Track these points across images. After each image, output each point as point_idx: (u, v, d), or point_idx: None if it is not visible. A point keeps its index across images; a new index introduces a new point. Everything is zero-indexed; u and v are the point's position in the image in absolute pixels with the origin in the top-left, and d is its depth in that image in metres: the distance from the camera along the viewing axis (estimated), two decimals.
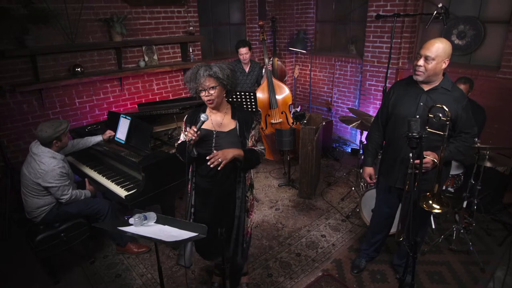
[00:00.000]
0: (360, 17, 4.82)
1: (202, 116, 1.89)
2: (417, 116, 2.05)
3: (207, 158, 1.88)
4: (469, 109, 2.08)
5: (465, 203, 2.91)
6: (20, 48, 3.27)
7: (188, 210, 2.20)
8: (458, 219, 3.06)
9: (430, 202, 1.95)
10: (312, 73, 5.59)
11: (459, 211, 3.15)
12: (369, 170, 2.46)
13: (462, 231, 2.89)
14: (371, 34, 4.54)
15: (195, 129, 1.86)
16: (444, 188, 3.02)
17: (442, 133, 1.95)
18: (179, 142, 2.13)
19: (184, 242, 1.67)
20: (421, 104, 2.07)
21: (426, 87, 2.08)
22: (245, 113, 2.11)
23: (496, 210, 3.35)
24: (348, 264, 2.82)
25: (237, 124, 2.04)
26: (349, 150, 5.08)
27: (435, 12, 3.55)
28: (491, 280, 2.59)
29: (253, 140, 2.09)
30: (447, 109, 1.90)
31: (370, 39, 4.57)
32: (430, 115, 1.97)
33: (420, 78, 2.03)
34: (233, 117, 2.05)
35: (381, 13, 4.29)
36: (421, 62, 1.98)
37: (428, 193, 1.99)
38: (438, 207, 1.94)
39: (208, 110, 2.06)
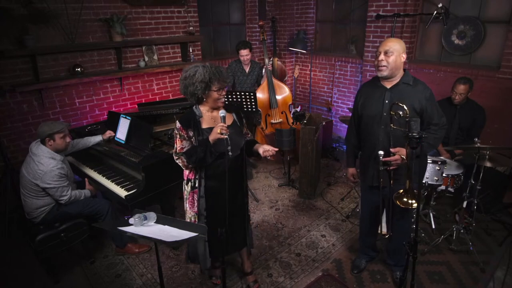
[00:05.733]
0: (360, 17, 4.82)
1: (222, 112, 1.98)
2: (384, 114, 2.15)
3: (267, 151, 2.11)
4: (434, 100, 2.15)
5: (465, 203, 2.91)
6: (20, 48, 3.27)
7: (200, 221, 2.20)
8: (458, 219, 3.07)
9: (405, 199, 1.99)
10: (312, 73, 5.59)
11: (459, 211, 3.15)
12: (351, 170, 2.60)
13: (462, 231, 2.89)
14: (371, 34, 4.54)
15: (225, 125, 1.91)
16: (444, 188, 3.02)
17: (403, 130, 1.95)
18: (185, 149, 2.05)
19: (184, 242, 1.66)
20: (386, 102, 2.15)
21: (388, 85, 2.16)
22: (231, 105, 2.30)
23: (496, 210, 3.35)
24: (348, 264, 2.82)
25: (234, 116, 2.22)
26: None
27: (435, 12, 3.56)
28: (491, 280, 2.59)
29: (245, 127, 2.33)
30: (405, 107, 1.97)
31: (370, 39, 4.57)
32: (392, 113, 2.06)
33: (384, 73, 2.10)
34: (228, 111, 2.17)
35: (381, 13, 4.29)
36: (382, 57, 2.09)
37: (401, 190, 2.04)
38: (412, 202, 1.96)
39: (205, 110, 2.11)
